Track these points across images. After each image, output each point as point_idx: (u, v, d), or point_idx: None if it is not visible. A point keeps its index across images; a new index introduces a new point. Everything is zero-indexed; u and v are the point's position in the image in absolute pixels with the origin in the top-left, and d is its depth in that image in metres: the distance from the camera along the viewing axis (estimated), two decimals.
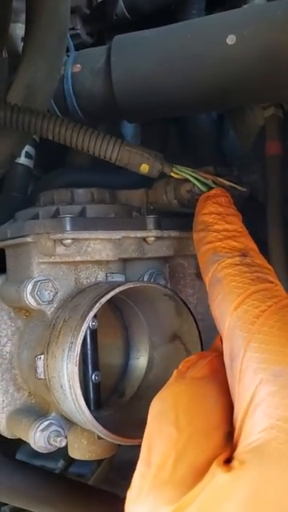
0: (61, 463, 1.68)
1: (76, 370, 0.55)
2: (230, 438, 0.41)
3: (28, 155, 0.83)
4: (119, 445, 0.69)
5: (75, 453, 0.67)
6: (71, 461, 1.48)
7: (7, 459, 0.70)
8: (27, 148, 0.82)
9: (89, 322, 0.56)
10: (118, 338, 0.74)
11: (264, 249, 0.80)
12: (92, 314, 0.56)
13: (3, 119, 0.61)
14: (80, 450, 0.66)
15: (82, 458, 0.67)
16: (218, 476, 0.36)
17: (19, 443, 0.76)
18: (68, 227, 0.59)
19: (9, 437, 0.69)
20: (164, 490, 0.39)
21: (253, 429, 0.38)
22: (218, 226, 0.56)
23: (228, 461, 0.38)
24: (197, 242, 0.57)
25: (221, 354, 0.47)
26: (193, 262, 0.73)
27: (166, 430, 0.43)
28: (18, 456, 1.41)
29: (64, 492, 0.72)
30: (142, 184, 0.82)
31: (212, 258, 0.53)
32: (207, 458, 0.40)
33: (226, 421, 0.43)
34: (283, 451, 0.35)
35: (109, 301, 0.65)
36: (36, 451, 1.14)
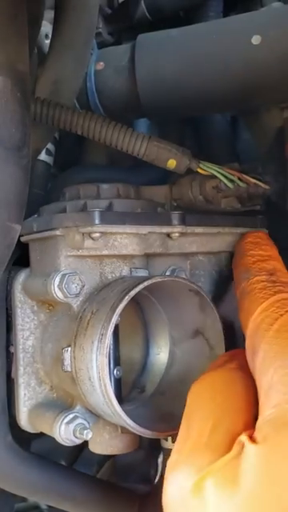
0: (63, 463, 1.67)
1: (106, 361, 0.56)
2: (255, 419, 0.46)
3: (48, 152, 0.84)
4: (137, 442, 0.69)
5: (96, 447, 0.67)
6: (73, 461, 1.48)
7: (27, 453, 0.70)
8: (48, 145, 0.82)
9: (119, 313, 0.56)
10: (137, 333, 0.74)
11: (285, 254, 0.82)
12: (122, 306, 0.57)
13: (33, 113, 0.62)
14: (101, 445, 0.67)
15: (103, 453, 0.67)
16: (245, 447, 0.41)
17: (32, 437, 0.76)
18: (97, 221, 0.59)
19: (30, 431, 0.69)
20: (202, 454, 0.44)
21: (268, 404, 0.44)
22: (253, 251, 0.66)
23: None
24: (234, 264, 0.68)
25: None
26: (213, 260, 0.74)
27: (204, 404, 0.49)
28: None
29: (83, 487, 0.72)
30: (159, 182, 0.83)
31: (243, 276, 0.62)
32: (239, 429, 0.45)
33: (255, 404, 0.48)
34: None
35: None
36: (41, 449, 1.14)
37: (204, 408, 0.49)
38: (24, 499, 1.49)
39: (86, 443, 0.66)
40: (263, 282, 0.59)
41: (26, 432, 0.70)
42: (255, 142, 0.94)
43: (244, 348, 0.55)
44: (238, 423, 0.46)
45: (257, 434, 0.42)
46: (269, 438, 0.40)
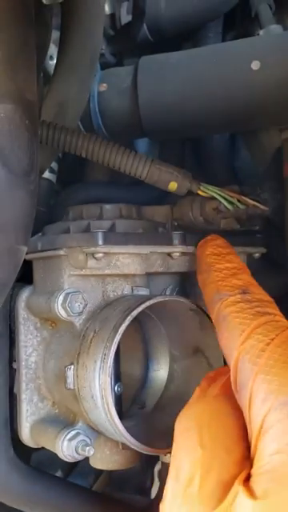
0: (59, 474, 1.68)
1: (109, 380, 0.57)
2: (249, 453, 0.45)
3: (52, 170, 0.85)
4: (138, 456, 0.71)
5: (97, 463, 0.68)
6: (69, 472, 1.49)
7: (28, 468, 0.71)
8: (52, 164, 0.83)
9: (121, 333, 0.58)
10: (138, 349, 0.76)
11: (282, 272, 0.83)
12: (124, 326, 0.58)
13: (40, 137, 0.63)
14: (102, 460, 0.68)
15: (104, 468, 0.69)
16: (241, 499, 0.40)
17: (33, 450, 0.77)
18: (100, 241, 0.61)
19: (32, 446, 0.70)
20: (193, 505, 0.43)
21: (264, 451, 0.42)
22: (219, 265, 0.62)
23: (248, 477, 0.43)
24: (201, 282, 0.63)
25: None
26: None
27: (192, 447, 0.47)
28: None
29: (84, 501, 0.73)
30: (159, 200, 0.84)
31: (215, 297, 0.58)
32: (231, 473, 0.44)
33: (244, 436, 0.47)
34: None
35: None
36: (34, 462, 1.16)
37: (192, 449, 0.47)
38: None
39: None
40: (239, 302, 0.55)
41: (27, 446, 0.71)
42: (254, 161, 0.96)
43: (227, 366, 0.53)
44: (229, 466, 0.44)
45: (254, 486, 0.40)
46: (270, 492, 0.39)
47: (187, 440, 0.48)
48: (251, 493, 0.40)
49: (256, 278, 0.96)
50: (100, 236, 0.61)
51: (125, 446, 0.66)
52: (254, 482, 0.41)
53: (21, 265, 0.58)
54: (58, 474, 1.61)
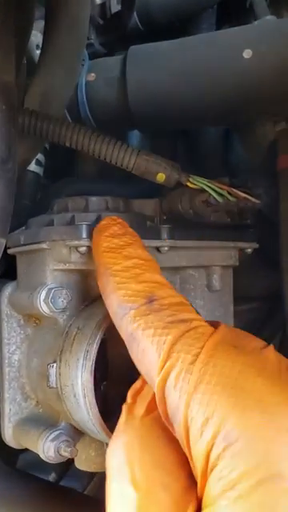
0: (52, 477, 1.66)
1: (91, 378, 0.55)
2: (192, 479, 0.40)
3: (38, 162, 0.83)
4: None
5: (82, 464, 0.66)
6: (62, 474, 1.47)
7: (11, 470, 0.69)
8: (38, 155, 0.81)
9: (104, 330, 0.55)
10: (124, 348, 0.73)
11: (275, 266, 0.81)
12: (108, 322, 0.56)
13: (22, 125, 0.61)
14: (87, 462, 0.65)
15: (88, 470, 0.66)
16: None
17: (19, 452, 0.75)
18: (84, 234, 0.58)
19: (15, 447, 0.67)
20: None
21: (210, 493, 0.37)
22: (116, 265, 0.52)
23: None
24: (102, 290, 0.53)
25: None
26: (203, 274, 0.73)
27: (125, 490, 0.42)
28: None
29: (71, 504, 0.71)
30: (149, 194, 0.82)
31: (118, 313, 0.49)
32: (171, 508, 0.40)
33: (181, 460, 0.42)
34: None
35: None
36: (26, 465, 1.13)
37: (125, 495, 0.41)
38: None
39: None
40: (145, 315, 0.46)
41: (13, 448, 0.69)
42: (248, 155, 0.94)
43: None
44: (168, 507, 0.40)
45: None
46: None
47: (119, 481, 0.43)
48: None
49: (249, 275, 0.94)
50: (84, 229, 0.58)
51: None
52: None
53: (0, 258, 0.56)
54: (52, 476, 1.60)
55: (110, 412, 0.65)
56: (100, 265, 0.54)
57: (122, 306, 0.48)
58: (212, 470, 0.37)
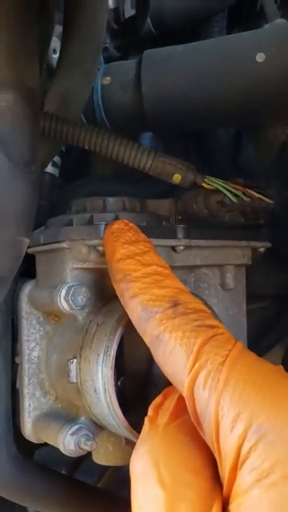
0: (63, 472, 1.67)
1: (111, 373, 0.56)
2: (216, 480, 0.42)
3: (54, 164, 0.85)
4: None
5: (100, 458, 0.68)
6: (73, 470, 1.49)
7: (30, 464, 0.71)
8: (54, 158, 0.83)
9: (124, 326, 0.57)
10: (141, 345, 0.75)
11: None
12: (126, 319, 0.57)
13: (42, 128, 0.63)
14: (106, 456, 0.67)
15: (107, 464, 0.68)
16: None
17: (36, 447, 0.77)
18: (102, 233, 0.60)
19: (34, 441, 0.69)
20: None
21: (241, 486, 0.38)
22: (136, 272, 0.53)
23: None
24: (120, 295, 0.54)
25: None
26: (217, 273, 0.75)
27: (152, 490, 0.43)
28: None
29: (86, 497, 0.73)
30: (163, 195, 0.84)
31: (143, 316, 0.50)
32: (199, 506, 0.41)
33: (207, 462, 0.43)
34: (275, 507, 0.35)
35: None
36: (42, 458, 1.15)
37: (153, 492, 0.42)
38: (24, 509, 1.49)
39: (87, 453, 0.66)
40: (172, 318, 0.47)
41: (30, 442, 0.71)
42: (259, 157, 0.95)
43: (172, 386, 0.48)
44: (194, 504, 0.41)
45: None
46: None
47: (146, 482, 0.44)
48: None
49: (261, 274, 0.96)
50: (102, 228, 0.60)
51: (128, 441, 0.65)
52: None
53: (23, 257, 0.57)
54: (63, 472, 1.61)
55: (127, 407, 0.67)
56: (118, 272, 0.54)
57: (146, 310, 0.49)
58: (243, 462, 0.38)
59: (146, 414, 0.69)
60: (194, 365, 0.43)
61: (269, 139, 0.89)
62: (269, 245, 0.76)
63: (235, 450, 0.38)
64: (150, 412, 0.50)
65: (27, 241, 0.55)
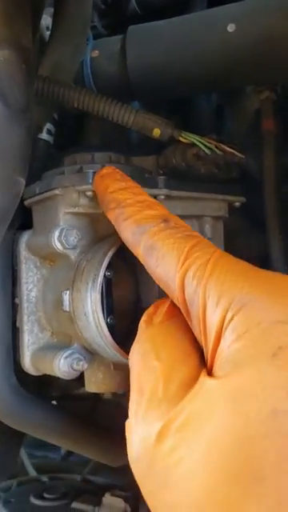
0: (63, 450, 1.76)
1: (99, 297, 0.64)
2: (203, 363, 0.47)
3: (49, 132, 0.92)
4: None
5: (92, 386, 0.75)
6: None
7: (29, 394, 0.78)
8: (48, 126, 0.91)
9: (110, 256, 0.65)
10: (129, 291, 0.82)
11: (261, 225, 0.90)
12: (113, 250, 0.65)
13: (36, 89, 0.71)
14: (96, 384, 0.75)
15: (98, 391, 0.75)
16: (206, 383, 0.42)
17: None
18: (91, 180, 0.68)
19: (33, 373, 0.77)
20: (159, 407, 0.44)
21: (223, 345, 0.42)
22: (130, 199, 0.60)
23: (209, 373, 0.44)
24: (115, 220, 0.60)
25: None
26: (196, 223, 0.82)
27: (151, 365, 0.48)
28: (22, 448, 1.50)
29: (83, 428, 0.81)
30: None
31: (137, 231, 0.56)
32: (191, 375, 0.45)
33: (196, 349, 0.48)
34: (252, 354, 0.40)
35: (122, 255, 0.74)
36: (37, 443, 1.24)
37: (152, 367, 0.48)
38: (26, 474, 1.57)
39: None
40: (164, 230, 0.54)
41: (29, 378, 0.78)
42: (236, 126, 1.04)
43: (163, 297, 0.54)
44: (187, 372, 0.46)
45: (217, 373, 0.42)
46: (233, 373, 0.40)
47: (145, 360, 0.49)
48: (216, 378, 0.42)
49: (244, 237, 1.03)
50: (91, 175, 0.68)
51: (116, 366, 0.73)
52: (216, 371, 0.43)
53: (20, 197, 0.65)
54: (63, 450, 1.70)
55: (116, 343, 0.74)
56: (112, 201, 0.61)
57: (140, 225, 0.56)
58: (226, 328, 0.42)
59: None
60: (185, 261, 0.49)
61: (245, 108, 0.98)
62: (243, 199, 0.83)
63: (220, 320, 0.43)
64: (145, 317, 0.55)
65: (23, 181, 0.63)
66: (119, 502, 1.11)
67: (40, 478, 1.46)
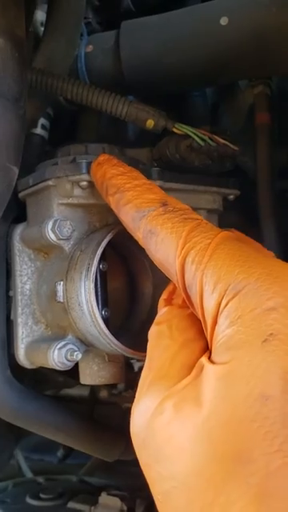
0: (60, 453, 1.75)
1: (92, 285, 0.64)
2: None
3: (43, 127, 0.93)
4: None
5: (87, 379, 0.75)
6: (69, 452, 1.58)
7: (23, 387, 0.78)
8: (43, 121, 0.91)
9: (104, 246, 0.65)
10: (123, 282, 0.82)
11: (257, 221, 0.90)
12: (107, 240, 0.65)
13: (30, 81, 0.71)
14: (91, 376, 0.75)
15: (92, 383, 0.75)
16: (204, 366, 0.44)
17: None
18: (84, 170, 0.68)
19: (27, 366, 0.76)
20: (162, 382, 0.46)
21: (219, 330, 0.44)
22: (129, 184, 0.61)
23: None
24: (115, 205, 0.61)
25: None
26: None
27: (163, 342, 0.51)
28: (18, 451, 1.50)
29: (77, 421, 0.80)
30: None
31: (137, 216, 0.57)
32: (197, 356, 0.47)
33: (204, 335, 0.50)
34: (243, 340, 0.41)
35: (115, 249, 0.75)
36: (34, 446, 1.24)
37: (163, 345, 0.50)
38: (22, 476, 1.56)
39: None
40: (163, 214, 0.55)
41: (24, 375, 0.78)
42: (231, 122, 1.04)
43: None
44: (195, 351, 0.48)
45: (214, 358, 0.44)
46: (228, 358, 0.41)
47: (159, 339, 0.52)
48: (213, 362, 0.44)
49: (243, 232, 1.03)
50: (84, 165, 0.68)
51: (110, 357, 0.73)
52: (213, 356, 0.44)
53: (13, 186, 0.65)
54: (60, 452, 1.70)
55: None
56: (111, 187, 0.62)
57: (140, 210, 0.57)
58: (221, 313, 0.44)
59: (129, 343, 0.77)
60: (184, 246, 0.50)
61: (239, 104, 0.98)
62: (238, 192, 0.84)
63: (216, 305, 0.44)
64: (164, 295, 0.57)
65: (16, 170, 0.63)
66: (116, 501, 1.11)
67: (36, 480, 1.45)
